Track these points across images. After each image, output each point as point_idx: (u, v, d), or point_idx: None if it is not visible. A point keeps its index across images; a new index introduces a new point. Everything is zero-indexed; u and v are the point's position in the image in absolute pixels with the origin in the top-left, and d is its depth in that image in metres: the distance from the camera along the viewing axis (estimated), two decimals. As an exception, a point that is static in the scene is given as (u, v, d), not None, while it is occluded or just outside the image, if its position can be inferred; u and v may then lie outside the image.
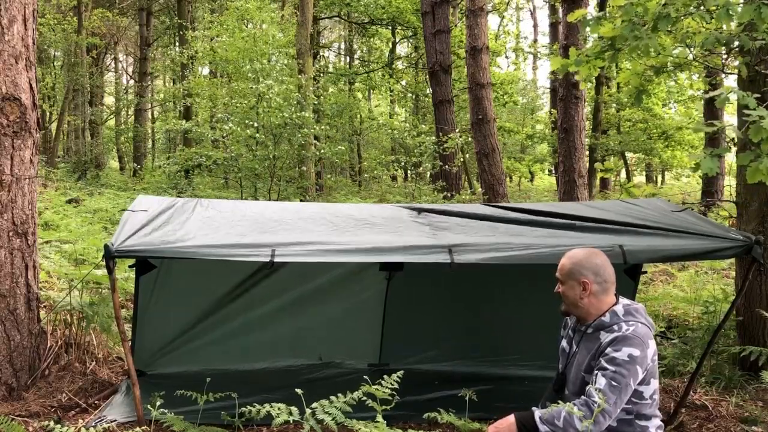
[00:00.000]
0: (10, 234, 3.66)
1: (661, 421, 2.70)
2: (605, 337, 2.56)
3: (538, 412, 2.52)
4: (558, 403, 2.41)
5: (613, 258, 2.95)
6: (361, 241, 3.14)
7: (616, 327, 2.56)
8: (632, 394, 2.51)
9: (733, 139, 3.83)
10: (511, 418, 2.58)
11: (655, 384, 2.58)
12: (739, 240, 3.09)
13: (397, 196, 17.47)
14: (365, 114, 23.59)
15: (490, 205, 4.00)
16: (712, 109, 11.33)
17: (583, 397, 2.48)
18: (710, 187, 12.00)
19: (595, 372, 2.50)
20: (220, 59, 14.36)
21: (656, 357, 2.58)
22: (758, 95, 3.12)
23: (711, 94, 3.29)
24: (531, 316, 4.11)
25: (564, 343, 2.83)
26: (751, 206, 4.18)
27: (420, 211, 3.55)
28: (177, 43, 20.94)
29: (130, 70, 35.70)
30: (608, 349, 2.50)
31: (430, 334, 4.44)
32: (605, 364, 2.47)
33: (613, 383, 2.42)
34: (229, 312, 4.20)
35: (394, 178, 24.15)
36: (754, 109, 2.86)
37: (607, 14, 3.98)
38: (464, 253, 2.99)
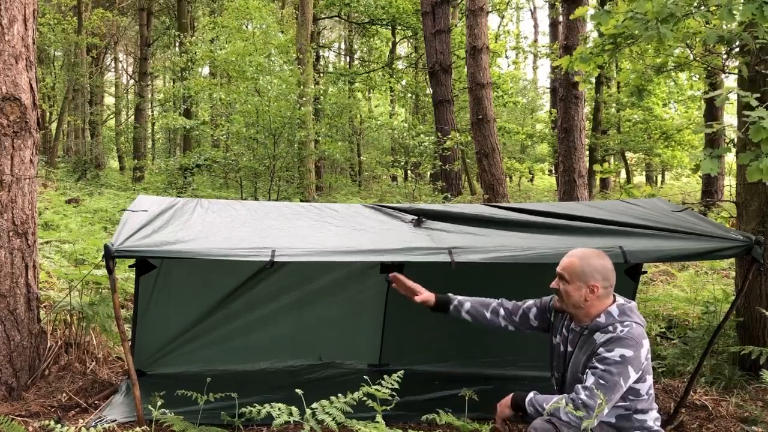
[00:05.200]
0: (10, 234, 3.66)
1: (660, 419, 2.72)
2: (600, 337, 2.59)
3: (531, 394, 2.60)
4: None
5: (613, 258, 2.95)
6: (361, 244, 3.15)
7: (611, 328, 2.59)
8: (629, 392, 2.57)
9: (733, 140, 3.83)
10: (510, 396, 2.68)
11: (650, 380, 2.63)
12: (739, 240, 3.09)
13: (396, 196, 17.47)
14: (365, 114, 23.59)
15: (490, 205, 4.00)
16: (712, 110, 11.33)
17: (572, 393, 2.52)
18: (710, 187, 11.99)
19: (587, 371, 2.55)
20: (220, 61, 14.36)
21: (650, 355, 2.62)
22: (758, 95, 3.12)
23: (711, 94, 3.30)
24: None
25: (558, 339, 2.84)
26: (751, 206, 4.18)
27: (419, 221, 3.53)
28: (177, 45, 20.93)
29: (130, 70, 35.71)
30: (600, 349, 2.55)
31: (430, 335, 4.43)
32: (596, 363, 2.53)
33: (601, 381, 2.46)
34: (230, 312, 4.20)
35: (394, 178, 24.14)
36: (755, 109, 2.87)
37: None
38: (464, 254, 2.99)
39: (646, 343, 2.58)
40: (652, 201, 4.00)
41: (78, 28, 19.88)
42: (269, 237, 3.22)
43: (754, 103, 2.92)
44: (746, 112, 2.92)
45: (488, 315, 3.04)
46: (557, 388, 2.82)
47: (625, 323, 2.58)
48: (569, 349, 2.74)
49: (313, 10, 16.96)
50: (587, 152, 14.25)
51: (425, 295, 3.09)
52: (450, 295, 3.10)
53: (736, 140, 3.86)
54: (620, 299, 2.70)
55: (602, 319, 2.62)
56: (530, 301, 3.04)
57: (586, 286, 2.63)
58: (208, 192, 15.20)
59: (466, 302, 3.07)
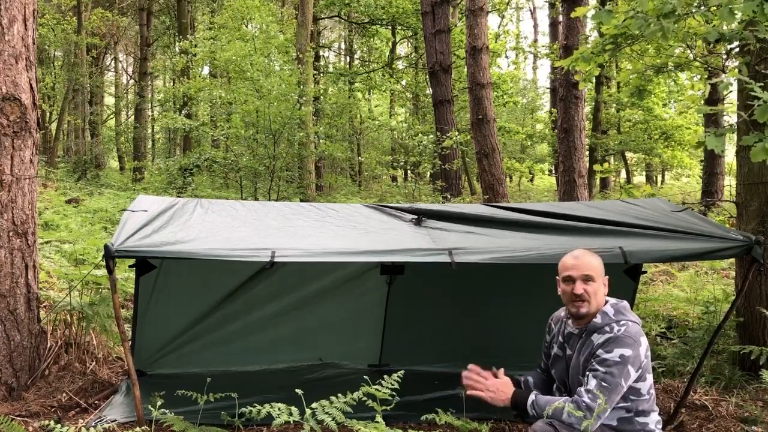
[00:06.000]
0: (10, 234, 3.66)
1: (661, 420, 2.71)
2: (598, 338, 2.58)
3: (532, 397, 2.58)
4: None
5: (613, 258, 2.96)
6: (361, 245, 3.15)
7: (607, 328, 2.58)
8: (630, 392, 2.55)
9: (734, 123, 3.83)
10: (509, 391, 2.65)
11: (650, 379, 2.61)
12: (739, 240, 3.08)
13: (396, 196, 17.48)
14: (365, 114, 23.58)
15: (490, 206, 4.00)
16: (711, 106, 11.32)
17: (575, 396, 2.51)
18: (710, 187, 11.99)
19: (587, 373, 2.54)
20: (221, 62, 14.35)
21: (649, 353, 2.61)
22: (761, 84, 3.12)
23: (713, 80, 3.30)
24: (531, 317, 4.10)
25: (556, 349, 2.83)
26: (751, 206, 4.18)
27: (419, 220, 3.53)
28: (177, 45, 20.93)
29: (130, 70, 35.70)
30: (599, 351, 2.54)
31: (431, 336, 4.44)
32: (596, 366, 2.51)
33: (604, 384, 2.46)
34: (230, 313, 4.20)
35: (394, 178, 24.15)
36: (760, 96, 2.87)
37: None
38: (464, 254, 2.99)
39: (644, 340, 2.57)
40: (652, 201, 4.00)
41: (78, 28, 19.88)
42: (269, 237, 3.22)
43: (758, 89, 2.93)
44: (753, 93, 2.92)
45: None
46: (565, 395, 2.80)
47: (621, 322, 2.58)
48: (568, 352, 2.73)
49: (313, 10, 16.95)
50: (587, 152, 14.25)
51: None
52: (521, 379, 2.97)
53: (739, 127, 3.84)
54: (611, 299, 2.70)
55: (598, 319, 2.62)
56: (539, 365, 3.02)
57: (603, 280, 2.67)
58: (208, 192, 15.19)
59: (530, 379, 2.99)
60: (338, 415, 2.57)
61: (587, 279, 2.62)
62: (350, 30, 24.96)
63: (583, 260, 2.65)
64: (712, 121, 10.13)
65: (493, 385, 2.67)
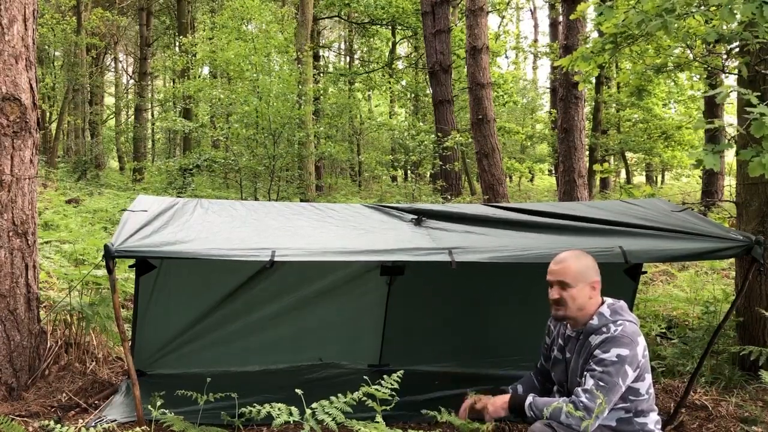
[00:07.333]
0: (10, 234, 3.66)
1: (661, 420, 2.71)
2: (595, 339, 2.59)
3: (529, 398, 2.59)
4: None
5: (613, 258, 2.96)
6: (361, 244, 3.15)
7: (604, 329, 2.58)
8: (628, 392, 2.55)
9: (733, 136, 3.83)
10: (506, 396, 2.68)
11: (649, 379, 2.61)
12: (739, 240, 3.09)
13: (396, 196, 17.49)
14: (365, 114, 23.58)
15: (490, 206, 4.00)
16: (712, 109, 11.33)
17: (572, 396, 2.51)
18: (710, 187, 11.99)
19: (585, 373, 2.54)
20: (220, 60, 14.34)
21: (647, 352, 2.61)
22: (758, 94, 3.12)
23: (712, 92, 3.30)
24: (530, 318, 4.10)
25: (556, 352, 2.83)
26: (751, 206, 4.18)
27: (419, 220, 3.52)
28: (177, 46, 20.93)
29: (130, 70, 35.71)
30: (596, 351, 2.54)
31: (431, 336, 4.44)
32: (593, 366, 2.51)
33: (601, 383, 2.46)
34: (230, 313, 4.20)
35: (394, 178, 24.15)
36: (756, 107, 2.87)
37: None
38: (464, 254, 2.99)
39: (642, 340, 2.57)
40: (652, 201, 4.00)
41: (78, 28, 19.88)
42: (269, 237, 3.22)
43: (755, 100, 2.93)
44: (748, 109, 2.92)
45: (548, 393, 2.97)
46: (564, 397, 2.80)
47: (618, 322, 2.58)
48: (567, 355, 2.73)
49: (313, 10, 16.96)
50: (587, 152, 14.26)
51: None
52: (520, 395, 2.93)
53: (737, 137, 3.85)
54: (608, 299, 2.70)
55: (595, 321, 2.62)
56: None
57: (588, 284, 2.63)
58: (208, 192, 15.19)
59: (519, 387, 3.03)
60: (338, 415, 2.57)
61: (560, 285, 2.63)
62: (350, 30, 24.96)
63: (561, 266, 2.65)
64: (710, 135, 10.12)
65: (486, 396, 2.70)
